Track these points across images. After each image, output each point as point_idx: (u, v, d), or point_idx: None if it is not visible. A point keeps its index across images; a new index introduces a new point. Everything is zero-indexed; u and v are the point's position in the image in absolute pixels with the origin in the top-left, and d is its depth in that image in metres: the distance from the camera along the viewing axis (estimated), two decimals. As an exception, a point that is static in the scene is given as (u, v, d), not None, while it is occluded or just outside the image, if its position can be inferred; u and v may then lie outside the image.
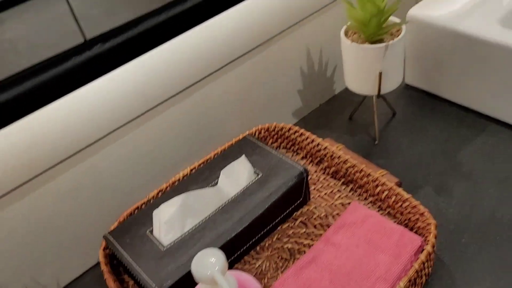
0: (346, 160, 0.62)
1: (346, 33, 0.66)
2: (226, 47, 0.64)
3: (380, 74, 0.64)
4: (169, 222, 0.55)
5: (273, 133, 0.70)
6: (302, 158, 0.69)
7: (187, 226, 0.56)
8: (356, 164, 0.61)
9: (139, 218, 0.58)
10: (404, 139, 0.71)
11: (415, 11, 0.71)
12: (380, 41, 0.63)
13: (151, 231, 0.56)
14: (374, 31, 0.62)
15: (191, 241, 0.54)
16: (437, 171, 0.65)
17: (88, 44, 0.45)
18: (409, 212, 0.56)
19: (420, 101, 0.77)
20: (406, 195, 0.56)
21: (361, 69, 0.65)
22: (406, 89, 0.80)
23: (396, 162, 0.68)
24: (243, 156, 0.61)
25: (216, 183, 0.60)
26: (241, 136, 0.67)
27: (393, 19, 0.66)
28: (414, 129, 0.72)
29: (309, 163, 0.68)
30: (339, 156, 0.63)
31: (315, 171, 0.67)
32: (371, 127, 0.74)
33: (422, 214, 0.54)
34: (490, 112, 0.70)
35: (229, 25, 0.63)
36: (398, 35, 0.63)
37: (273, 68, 0.71)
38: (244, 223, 0.56)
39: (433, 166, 0.66)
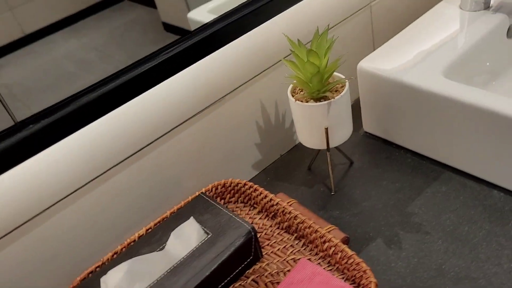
0: (296, 216, 0.63)
1: (294, 90, 0.68)
2: (177, 109, 0.66)
3: (326, 129, 0.65)
4: (116, 288, 0.56)
5: (229, 188, 0.71)
6: (258, 212, 0.70)
7: (135, 291, 0.56)
8: (305, 220, 0.62)
9: (91, 283, 0.59)
10: (359, 189, 0.72)
11: (364, 64, 0.73)
12: (325, 97, 0.65)
13: (99, 297, 0.57)
14: (317, 89, 0.64)
15: (138, 307, 0.55)
16: (389, 223, 0.66)
17: (19, 126, 0.47)
18: (354, 269, 0.57)
19: (377, 149, 0.78)
20: (350, 252, 0.57)
21: (308, 125, 0.66)
22: (365, 137, 0.81)
23: (351, 213, 0.69)
24: (192, 218, 0.62)
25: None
26: (197, 193, 0.68)
27: (338, 75, 0.67)
28: (370, 179, 0.73)
29: (265, 218, 0.69)
30: (289, 212, 0.64)
31: (270, 226, 0.68)
32: (329, 177, 0.75)
33: (364, 272, 0.55)
34: (443, 159, 0.71)
35: (179, 87, 0.65)
36: (343, 91, 0.65)
37: (229, 124, 0.73)
38: (191, 285, 0.56)
39: (385, 217, 0.67)
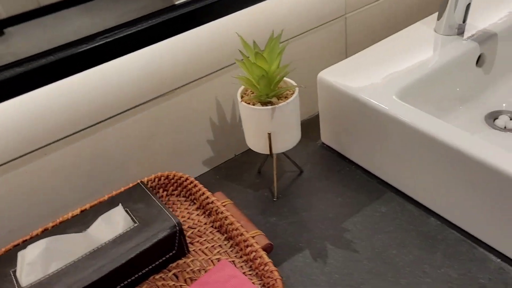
0: (227, 216, 0.63)
1: (245, 91, 0.68)
2: (125, 93, 0.66)
3: (269, 135, 0.65)
4: (31, 264, 0.56)
5: (172, 181, 0.71)
6: (197, 208, 0.70)
7: (50, 269, 0.57)
8: (234, 222, 0.62)
9: (11, 256, 0.59)
10: (303, 199, 0.71)
11: (324, 75, 0.73)
12: (272, 102, 0.64)
13: (15, 271, 0.57)
14: (266, 93, 0.63)
15: (49, 285, 0.55)
16: (322, 236, 0.65)
17: None
18: (268, 276, 0.56)
19: (330, 162, 0.77)
20: (266, 259, 0.57)
21: (254, 128, 0.66)
22: (322, 148, 0.80)
23: (288, 221, 0.68)
24: (120, 205, 0.62)
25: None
26: (139, 181, 0.68)
27: (291, 81, 0.67)
28: (315, 190, 0.72)
29: (202, 214, 0.69)
30: (222, 212, 0.64)
31: (205, 223, 0.68)
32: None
33: (276, 281, 0.54)
34: (388, 180, 0.71)
35: (130, 70, 0.64)
36: (291, 98, 0.64)
37: (182, 117, 0.73)
38: (105, 271, 0.56)
39: (320, 230, 0.66)
